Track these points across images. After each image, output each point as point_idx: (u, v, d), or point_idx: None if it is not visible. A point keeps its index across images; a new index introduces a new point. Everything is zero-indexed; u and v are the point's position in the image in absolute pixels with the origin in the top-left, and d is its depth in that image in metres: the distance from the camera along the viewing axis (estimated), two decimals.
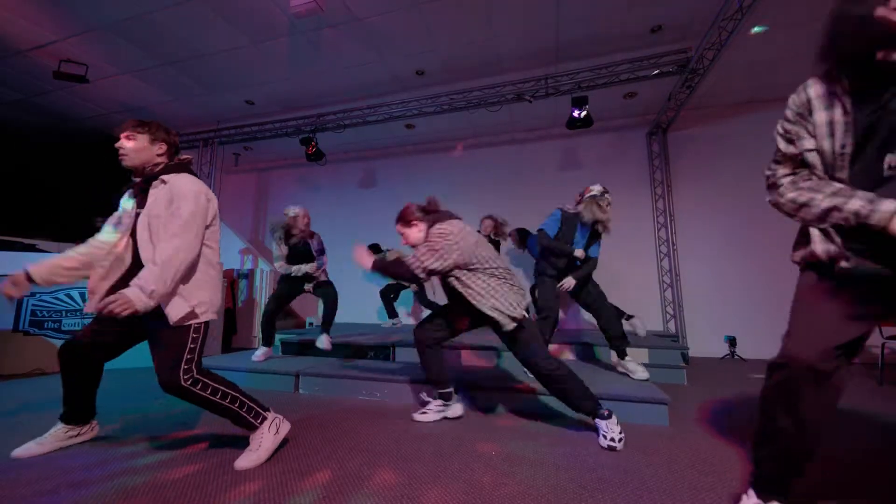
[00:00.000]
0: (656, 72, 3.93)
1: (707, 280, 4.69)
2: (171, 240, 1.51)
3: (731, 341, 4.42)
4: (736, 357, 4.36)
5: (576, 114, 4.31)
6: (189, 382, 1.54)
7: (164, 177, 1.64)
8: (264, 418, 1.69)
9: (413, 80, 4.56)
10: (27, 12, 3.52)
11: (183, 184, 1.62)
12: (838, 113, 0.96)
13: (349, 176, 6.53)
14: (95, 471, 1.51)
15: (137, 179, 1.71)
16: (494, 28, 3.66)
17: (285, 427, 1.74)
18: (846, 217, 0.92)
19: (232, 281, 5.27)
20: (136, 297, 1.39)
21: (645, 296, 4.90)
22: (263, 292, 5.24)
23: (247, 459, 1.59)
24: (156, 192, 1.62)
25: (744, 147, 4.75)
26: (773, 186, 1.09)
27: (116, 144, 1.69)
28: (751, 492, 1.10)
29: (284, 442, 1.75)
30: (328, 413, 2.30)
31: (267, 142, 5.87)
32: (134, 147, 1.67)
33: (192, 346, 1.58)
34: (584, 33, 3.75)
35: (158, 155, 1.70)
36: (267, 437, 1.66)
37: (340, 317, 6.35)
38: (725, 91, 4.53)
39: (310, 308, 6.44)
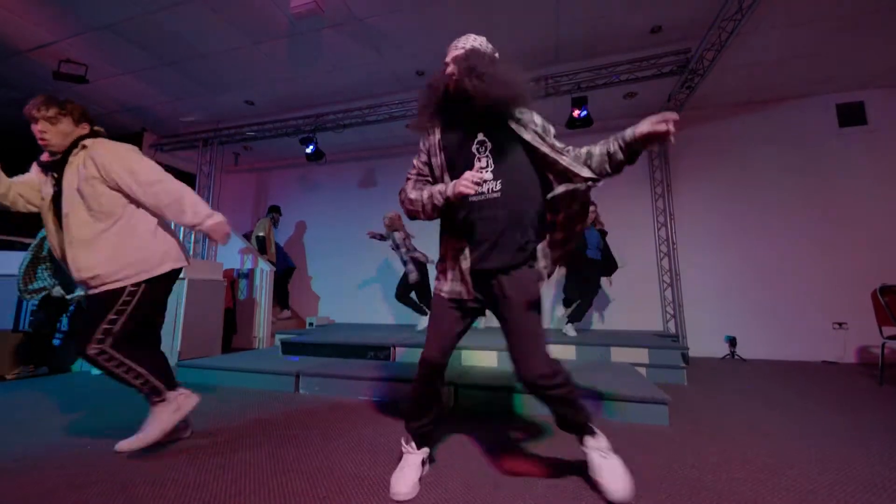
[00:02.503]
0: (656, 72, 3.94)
1: (707, 280, 4.69)
2: (155, 185, 1.59)
3: (731, 341, 4.42)
4: (736, 357, 4.36)
5: (576, 114, 4.32)
6: (95, 353, 1.52)
7: (85, 141, 1.62)
8: (164, 399, 1.66)
9: (413, 80, 4.56)
10: (27, 12, 3.52)
11: (111, 144, 1.62)
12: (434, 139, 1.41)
13: (349, 176, 6.53)
14: (95, 471, 1.51)
15: (53, 157, 1.66)
16: (493, 28, 3.66)
17: (189, 403, 1.73)
18: (434, 197, 1.33)
19: (232, 281, 5.26)
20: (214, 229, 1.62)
21: (645, 296, 4.90)
22: (263, 292, 5.23)
23: (130, 440, 1.60)
24: (77, 160, 1.59)
25: (744, 147, 4.75)
26: (402, 191, 1.46)
27: (36, 129, 1.60)
28: (414, 445, 1.43)
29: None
30: (328, 413, 2.30)
31: (267, 142, 5.87)
32: (59, 131, 1.62)
33: (112, 315, 1.55)
34: (584, 33, 3.75)
35: (82, 135, 1.66)
36: (159, 419, 1.64)
37: (346, 317, 6.34)
38: (725, 91, 4.54)
39: (310, 308, 6.44)
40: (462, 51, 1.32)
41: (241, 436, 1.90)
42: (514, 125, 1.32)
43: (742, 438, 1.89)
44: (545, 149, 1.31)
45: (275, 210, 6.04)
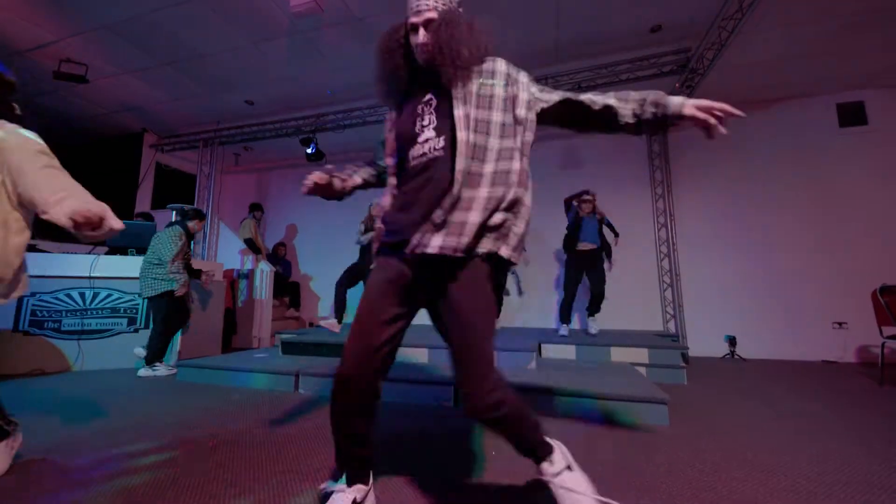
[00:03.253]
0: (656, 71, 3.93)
1: (707, 280, 4.69)
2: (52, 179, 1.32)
3: (731, 341, 4.42)
4: (736, 357, 4.36)
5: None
6: None
7: None
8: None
9: None
10: (27, 12, 3.52)
11: (10, 129, 1.39)
12: None
13: None
14: (95, 471, 1.51)
15: None
16: (494, 28, 3.65)
17: (15, 445, 1.54)
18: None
19: (232, 281, 5.27)
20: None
21: (645, 296, 4.90)
22: (263, 292, 5.24)
23: None
24: None
25: (744, 147, 4.75)
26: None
27: None
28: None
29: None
30: (328, 413, 2.29)
31: (267, 142, 5.87)
32: None
33: None
34: (584, 33, 3.75)
35: None
36: None
37: (347, 317, 6.34)
38: (725, 91, 4.52)
39: (311, 308, 6.45)
40: (435, 13, 1.06)
41: (241, 435, 1.90)
42: (474, 78, 1.10)
43: (742, 438, 1.89)
44: (524, 94, 1.12)
45: (256, 208, 6.01)
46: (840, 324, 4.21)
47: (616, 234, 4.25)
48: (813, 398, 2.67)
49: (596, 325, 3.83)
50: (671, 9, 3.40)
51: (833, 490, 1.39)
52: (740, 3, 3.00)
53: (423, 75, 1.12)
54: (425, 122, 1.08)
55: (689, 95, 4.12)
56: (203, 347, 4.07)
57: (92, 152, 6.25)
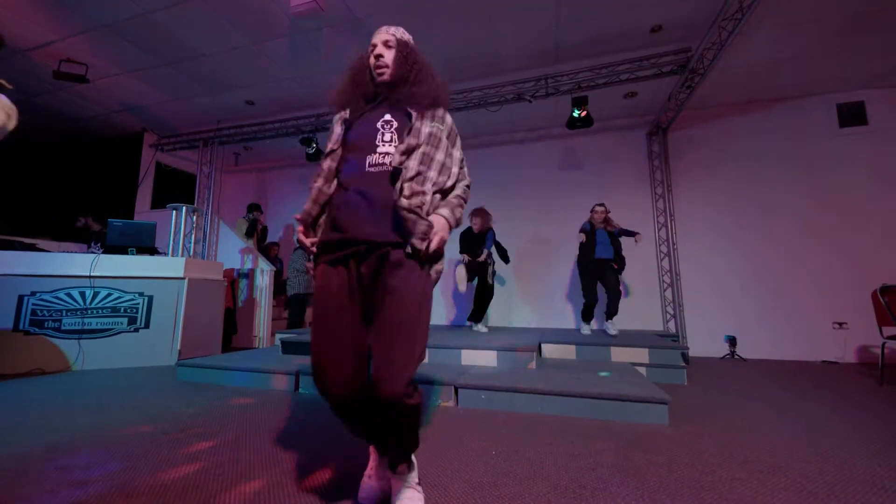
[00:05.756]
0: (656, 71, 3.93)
1: (707, 280, 4.70)
2: None
3: (731, 341, 4.42)
4: (736, 357, 4.36)
5: (576, 114, 4.32)
6: None
7: None
8: None
9: None
10: (27, 12, 3.52)
11: None
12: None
13: None
14: (95, 471, 1.51)
15: None
16: (494, 28, 3.66)
17: None
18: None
19: (232, 281, 5.26)
20: None
21: (645, 296, 4.90)
22: (263, 292, 5.24)
23: None
24: None
25: (744, 147, 4.75)
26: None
27: None
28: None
29: None
30: (328, 413, 2.29)
31: (267, 142, 5.87)
32: None
33: None
34: (584, 33, 3.75)
35: None
36: None
37: None
38: (725, 91, 4.54)
39: (309, 308, 6.44)
40: (394, 38, 1.32)
41: (241, 435, 1.90)
42: (426, 117, 1.27)
43: (742, 438, 1.89)
44: (441, 152, 1.26)
45: (255, 209, 5.83)
46: (840, 324, 4.21)
47: (635, 233, 4.08)
48: (813, 398, 2.67)
49: (615, 327, 3.81)
50: (671, 9, 3.40)
51: (833, 490, 1.39)
52: (740, 3, 3.00)
53: (384, 97, 1.31)
54: (386, 139, 1.24)
55: (689, 96, 4.16)
56: (203, 347, 4.07)
57: (92, 152, 6.25)
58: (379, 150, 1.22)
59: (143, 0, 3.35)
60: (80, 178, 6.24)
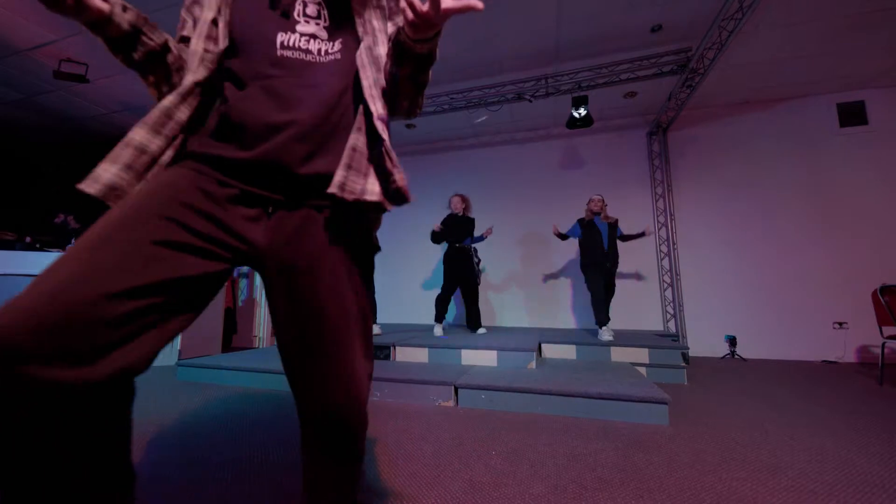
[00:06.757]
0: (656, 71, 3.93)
1: (707, 280, 4.69)
2: None
3: (732, 341, 4.42)
4: (736, 356, 4.36)
5: (576, 114, 4.32)
6: None
7: None
8: None
9: None
10: (27, 12, 3.52)
11: None
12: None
13: None
14: None
15: None
16: (494, 28, 3.66)
17: None
18: None
19: (232, 281, 5.26)
20: None
21: (645, 296, 4.90)
22: (263, 292, 5.23)
23: None
24: None
25: (744, 147, 4.75)
26: None
27: None
28: None
29: None
30: None
31: None
32: None
33: None
34: (584, 33, 3.75)
35: None
36: None
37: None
38: (726, 91, 4.53)
39: None
40: None
41: (241, 435, 1.90)
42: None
43: (742, 438, 1.89)
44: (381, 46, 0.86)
45: None
46: (840, 324, 4.21)
47: (642, 233, 4.03)
48: (813, 398, 2.67)
49: (609, 331, 3.71)
50: (671, 9, 3.40)
51: (833, 490, 1.39)
52: (740, 3, 3.00)
53: None
54: (311, 13, 0.82)
55: (690, 95, 4.16)
56: (203, 347, 4.07)
57: (92, 152, 6.24)
58: (298, 28, 0.80)
59: (143, 0, 3.34)
60: (80, 178, 6.22)
